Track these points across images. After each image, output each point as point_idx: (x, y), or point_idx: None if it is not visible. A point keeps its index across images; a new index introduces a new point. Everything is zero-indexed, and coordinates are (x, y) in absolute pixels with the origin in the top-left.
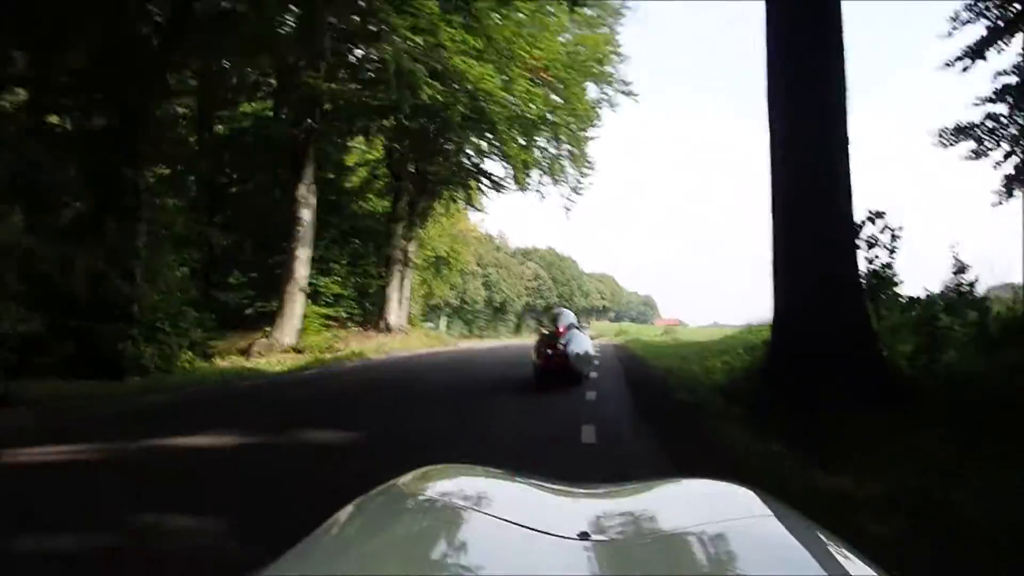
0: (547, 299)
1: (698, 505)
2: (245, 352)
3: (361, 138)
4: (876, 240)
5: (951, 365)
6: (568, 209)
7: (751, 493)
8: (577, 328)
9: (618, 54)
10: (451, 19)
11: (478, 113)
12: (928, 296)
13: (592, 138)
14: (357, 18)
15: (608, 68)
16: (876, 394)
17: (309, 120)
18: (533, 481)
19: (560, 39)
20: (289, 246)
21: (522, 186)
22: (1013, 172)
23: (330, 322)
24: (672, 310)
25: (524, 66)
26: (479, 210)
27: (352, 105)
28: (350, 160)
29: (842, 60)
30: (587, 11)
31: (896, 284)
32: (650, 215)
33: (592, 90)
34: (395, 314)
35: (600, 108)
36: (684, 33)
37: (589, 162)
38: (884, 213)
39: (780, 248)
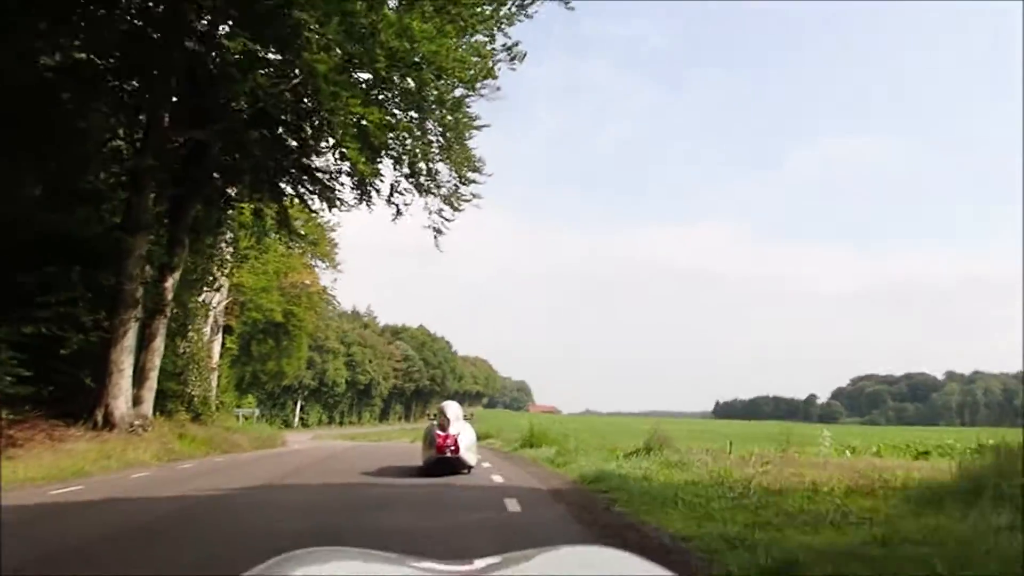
0: (417, 382)
1: (582, 570)
2: None
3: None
4: None
5: None
6: (439, 232)
7: (631, 557)
8: (464, 419)
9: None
10: None
11: None
12: None
13: (479, 126)
14: None
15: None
16: None
17: None
18: (411, 563)
19: None
20: None
21: (368, 179)
22: None
23: None
24: (545, 397)
25: None
26: (302, 239)
27: None
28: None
29: None
30: None
31: None
32: (527, 294)
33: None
34: (125, 397)
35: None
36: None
37: (477, 162)
38: None
39: None
